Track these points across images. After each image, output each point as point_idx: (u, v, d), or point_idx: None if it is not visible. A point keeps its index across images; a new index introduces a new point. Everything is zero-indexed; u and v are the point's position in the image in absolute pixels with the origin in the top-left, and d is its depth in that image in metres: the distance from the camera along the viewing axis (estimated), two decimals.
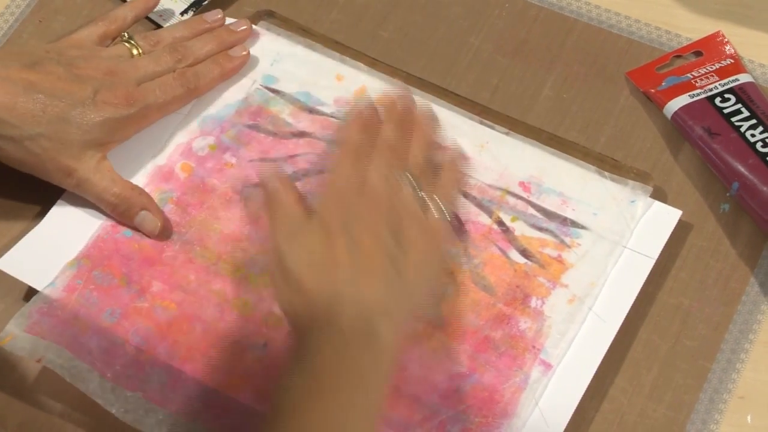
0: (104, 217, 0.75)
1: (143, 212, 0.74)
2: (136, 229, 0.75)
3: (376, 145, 0.70)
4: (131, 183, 0.75)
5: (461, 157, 0.73)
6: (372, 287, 0.64)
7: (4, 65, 0.73)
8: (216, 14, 0.82)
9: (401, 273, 0.65)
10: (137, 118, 0.75)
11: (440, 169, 0.71)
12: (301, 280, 0.64)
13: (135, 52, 0.78)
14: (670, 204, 0.75)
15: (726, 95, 0.78)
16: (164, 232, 0.75)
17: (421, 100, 0.74)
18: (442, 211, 0.68)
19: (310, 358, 0.62)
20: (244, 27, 0.82)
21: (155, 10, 0.84)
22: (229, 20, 0.83)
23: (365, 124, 0.71)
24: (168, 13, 0.85)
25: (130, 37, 0.79)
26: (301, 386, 0.61)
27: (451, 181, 0.71)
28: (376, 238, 0.65)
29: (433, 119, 0.73)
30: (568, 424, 0.68)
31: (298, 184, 0.76)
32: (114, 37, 0.80)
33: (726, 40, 0.82)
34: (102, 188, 0.74)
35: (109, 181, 0.74)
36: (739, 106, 0.78)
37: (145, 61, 0.77)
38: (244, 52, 0.81)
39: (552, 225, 0.75)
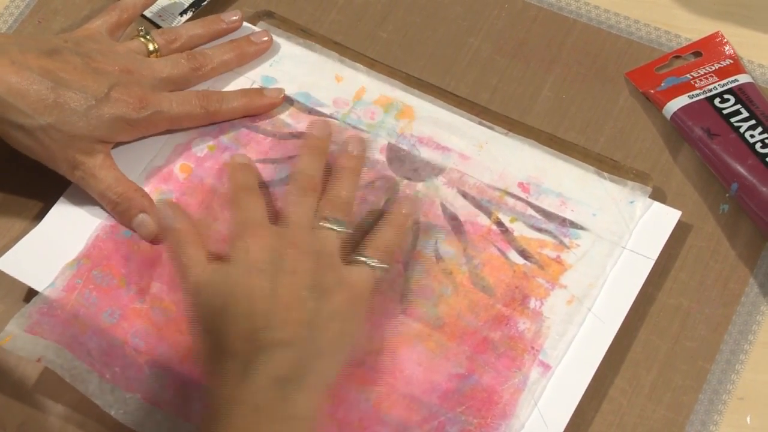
0: (104, 217, 0.75)
1: (142, 215, 0.74)
2: (134, 230, 0.75)
3: (291, 179, 0.70)
4: (135, 184, 0.75)
5: (408, 213, 0.73)
6: (285, 348, 0.63)
7: (21, 51, 0.72)
8: (234, 15, 0.82)
9: (315, 338, 0.64)
10: (146, 123, 0.75)
11: (386, 224, 0.71)
12: (223, 323, 0.63)
13: (151, 47, 0.78)
14: (669, 205, 0.75)
15: (725, 96, 0.78)
16: (161, 236, 0.75)
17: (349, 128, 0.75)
18: (378, 265, 0.68)
19: (220, 421, 0.61)
20: (266, 39, 0.81)
21: (155, 10, 0.85)
22: (246, 25, 0.83)
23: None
24: (167, 14, 0.85)
25: (146, 33, 0.79)
26: None
27: (394, 235, 0.71)
28: (297, 289, 0.64)
29: (358, 155, 0.73)
30: (568, 424, 0.68)
31: None
32: (126, 27, 0.80)
33: (725, 40, 0.82)
34: (106, 185, 0.74)
35: (113, 179, 0.74)
36: (738, 106, 0.78)
37: (162, 63, 0.77)
38: (281, 96, 0.79)
39: (551, 226, 0.75)
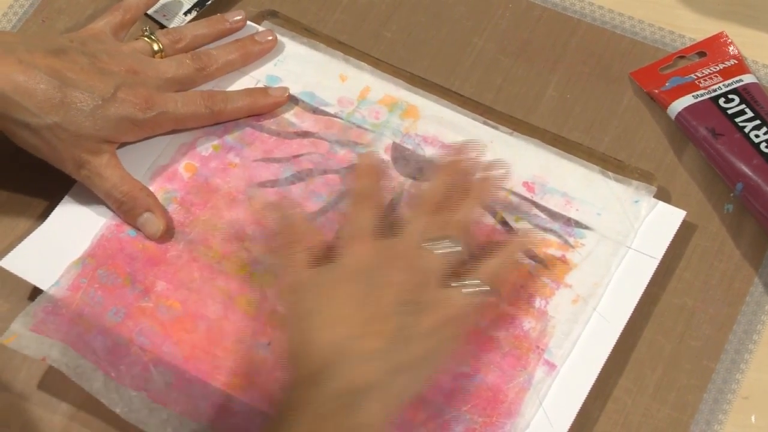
0: (108, 216, 0.75)
1: (147, 214, 0.74)
2: (139, 229, 0.75)
3: (421, 200, 0.69)
4: (140, 183, 0.75)
5: (527, 239, 0.73)
6: (372, 357, 0.62)
7: (29, 50, 0.72)
8: (237, 15, 0.82)
9: (408, 351, 0.63)
10: (152, 124, 0.75)
11: (500, 252, 0.69)
12: (311, 327, 0.63)
13: (156, 47, 0.78)
14: (674, 204, 0.75)
15: (730, 96, 0.78)
16: (166, 235, 0.75)
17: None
18: (473, 288, 0.66)
19: (291, 419, 0.60)
20: (270, 38, 0.81)
21: (158, 9, 0.85)
22: (250, 24, 0.83)
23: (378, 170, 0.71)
24: (172, 13, 0.85)
25: (151, 33, 0.79)
26: None
27: (505, 263, 0.70)
28: (396, 301, 0.63)
29: (495, 183, 0.72)
30: (572, 424, 0.68)
31: (302, 184, 0.76)
32: (129, 27, 0.80)
33: (730, 40, 0.82)
34: (111, 184, 0.74)
35: (118, 178, 0.74)
36: (743, 106, 0.78)
37: (167, 64, 0.77)
38: (285, 95, 0.79)
39: (556, 225, 0.75)
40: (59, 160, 0.74)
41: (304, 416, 0.60)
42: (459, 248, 0.67)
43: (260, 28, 0.83)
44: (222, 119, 0.78)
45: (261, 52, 0.81)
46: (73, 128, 0.72)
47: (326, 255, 0.66)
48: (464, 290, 0.66)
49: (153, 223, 0.74)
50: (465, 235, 0.68)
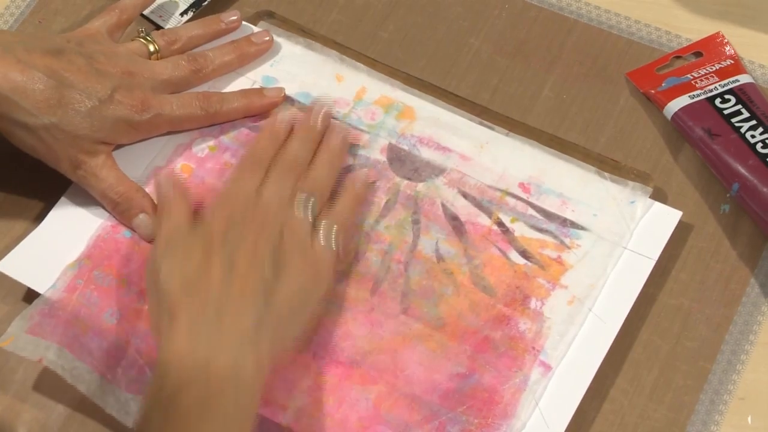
0: (104, 218, 0.75)
1: (142, 215, 0.74)
2: (134, 230, 0.75)
3: (277, 159, 0.71)
4: (136, 184, 0.75)
5: (365, 182, 0.75)
6: (240, 315, 0.64)
7: (27, 49, 0.72)
8: (232, 15, 0.82)
9: (272, 303, 0.65)
10: (147, 126, 0.75)
11: (342, 192, 0.73)
12: (171, 299, 0.65)
13: (152, 48, 0.78)
14: (670, 205, 0.75)
15: (726, 96, 0.78)
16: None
17: (335, 122, 0.76)
18: (331, 239, 0.70)
19: (169, 387, 0.62)
20: (267, 39, 0.81)
21: (154, 10, 0.85)
22: (246, 25, 0.83)
23: (276, 136, 0.73)
24: (168, 14, 0.85)
25: (147, 34, 0.79)
26: (160, 419, 0.61)
27: (348, 207, 0.73)
28: (253, 261, 0.66)
29: (345, 139, 0.75)
30: (569, 425, 0.68)
31: None
32: (125, 28, 0.80)
33: (726, 40, 0.82)
34: (107, 185, 0.74)
35: (114, 179, 0.74)
36: (739, 107, 0.78)
37: (162, 65, 0.77)
38: (281, 95, 0.79)
39: (552, 226, 0.75)
40: (55, 160, 0.74)
41: (184, 389, 0.62)
42: (313, 200, 0.70)
43: (256, 29, 0.83)
44: (218, 120, 0.78)
45: (257, 53, 0.81)
46: (70, 129, 0.72)
47: (194, 219, 0.69)
48: (321, 241, 0.69)
49: (147, 224, 0.74)
50: (319, 189, 0.72)
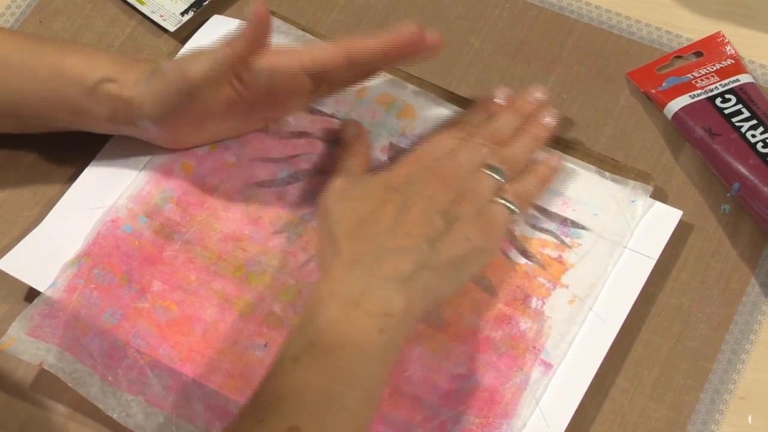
0: (105, 215, 0.75)
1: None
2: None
3: (479, 129, 0.73)
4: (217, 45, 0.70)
5: (556, 168, 0.75)
6: (401, 257, 0.64)
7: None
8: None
9: (436, 251, 0.66)
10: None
11: (530, 172, 0.73)
12: (339, 238, 0.66)
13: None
14: (670, 204, 0.75)
15: (726, 96, 0.78)
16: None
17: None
18: (507, 212, 0.70)
19: (317, 321, 0.62)
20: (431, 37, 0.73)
21: (155, 10, 0.84)
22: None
23: (485, 109, 0.75)
24: (168, 13, 0.85)
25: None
26: (304, 339, 0.62)
27: (533, 188, 0.73)
28: (428, 210, 0.67)
29: (549, 131, 0.75)
30: (569, 424, 0.68)
31: (299, 184, 0.76)
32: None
33: (726, 40, 0.82)
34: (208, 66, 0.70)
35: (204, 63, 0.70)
36: (739, 106, 0.78)
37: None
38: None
39: (552, 225, 0.75)
40: None
41: (337, 301, 0.62)
42: (502, 173, 0.71)
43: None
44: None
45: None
46: None
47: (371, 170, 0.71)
48: (501, 207, 0.70)
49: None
50: (510, 170, 0.72)
